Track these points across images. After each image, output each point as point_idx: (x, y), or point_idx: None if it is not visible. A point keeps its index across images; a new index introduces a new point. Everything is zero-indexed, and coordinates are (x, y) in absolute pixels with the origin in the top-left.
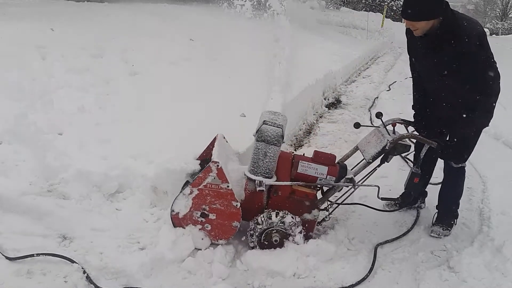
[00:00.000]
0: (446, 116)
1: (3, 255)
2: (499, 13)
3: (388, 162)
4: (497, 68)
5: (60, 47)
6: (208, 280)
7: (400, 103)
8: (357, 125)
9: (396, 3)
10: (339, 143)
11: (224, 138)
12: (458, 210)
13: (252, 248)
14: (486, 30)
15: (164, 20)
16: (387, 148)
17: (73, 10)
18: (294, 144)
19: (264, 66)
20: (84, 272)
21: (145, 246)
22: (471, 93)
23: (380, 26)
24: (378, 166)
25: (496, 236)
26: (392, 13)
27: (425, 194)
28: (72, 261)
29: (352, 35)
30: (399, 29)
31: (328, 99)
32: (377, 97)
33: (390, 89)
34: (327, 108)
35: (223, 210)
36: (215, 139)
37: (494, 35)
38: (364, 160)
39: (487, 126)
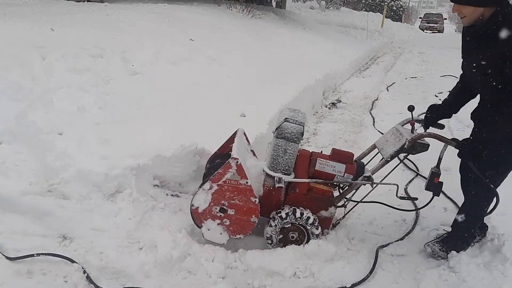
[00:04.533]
0: (479, 118)
1: (3, 255)
2: None
3: (403, 161)
4: None
5: (60, 47)
6: (208, 280)
7: (400, 103)
8: (411, 108)
9: (396, 3)
10: (339, 143)
11: (244, 134)
12: (470, 237)
13: (270, 243)
14: None
15: (164, 20)
16: (405, 147)
17: (73, 10)
18: None
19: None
20: (84, 272)
21: (145, 246)
22: (507, 100)
23: (380, 26)
24: (397, 165)
25: (496, 236)
26: (392, 13)
27: (483, 227)
28: (72, 261)
29: (352, 35)
30: (399, 29)
31: (328, 99)
32: (376, 99)
33: (388, 91)
34: (327, 108)
35: (242, 206)
36: (234, 134)
37: None
38: (383, 159)
39: None
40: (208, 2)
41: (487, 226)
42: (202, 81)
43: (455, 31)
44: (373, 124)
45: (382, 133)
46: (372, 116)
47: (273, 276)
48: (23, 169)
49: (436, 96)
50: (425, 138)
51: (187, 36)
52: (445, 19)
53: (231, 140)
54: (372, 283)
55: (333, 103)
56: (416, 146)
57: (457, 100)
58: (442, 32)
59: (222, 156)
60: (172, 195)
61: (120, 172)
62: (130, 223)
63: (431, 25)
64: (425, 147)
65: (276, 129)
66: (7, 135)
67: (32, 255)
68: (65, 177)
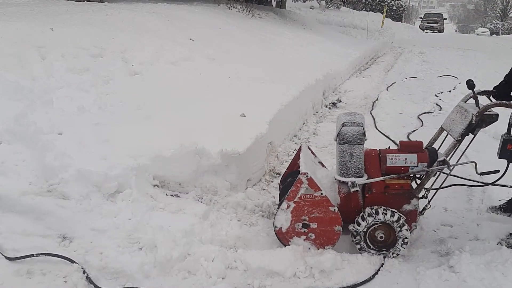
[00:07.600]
0: None
1: (3, 255)
2: (499, 13)
3: (475, 135)
4: None
5: (60, 47)
6: (208, 280)
7: (400, 103)
8: (471, 84)
9: (396, 2)
10: None
11: (308, 148)
12: None
13: (360, 249)
14: (486, 29)
15: (164, 20)
16: (473, 122)
17: (73, 10)
18: (295, 144)
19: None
20: (84, 272)
21: (144, 246)
22: None
23: (380, 26)
24: (470, 142)
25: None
26: (392, 13)
27: None
28: (72, 261)
29: (352, 35)
30: (399, 29)
31: (328, 99)
32: (377, 99)
33: (388, 91)
34: (327, 108)
35: (323, 217)
36: (299, 150)
37: (494, 35)
38: (453, 139)
39: None
40: (208, 2)
41: None
42: (202, 81)
43: (455, 31)
44: (374, 125)
45: (383, 134)
46: (372, 117)
47: (273, 276)
48: (23, 169)
49: (437, 96)
50: (492, 108)
51: (187, 36)
52: (445, 18)
53: (297, 157)
54: (372, 283)
55: (333, 103)
56: (485, 118)
57: None
58: (442, 32)
59: (292, 175)
60: (172, 195)
61: (120, 172)
62: (130, 223)
63: (431, 25)
64: (495, 117)
65: (337, 135)
66: (7, 135)
67: (32, 255)
68: (65, 177)
